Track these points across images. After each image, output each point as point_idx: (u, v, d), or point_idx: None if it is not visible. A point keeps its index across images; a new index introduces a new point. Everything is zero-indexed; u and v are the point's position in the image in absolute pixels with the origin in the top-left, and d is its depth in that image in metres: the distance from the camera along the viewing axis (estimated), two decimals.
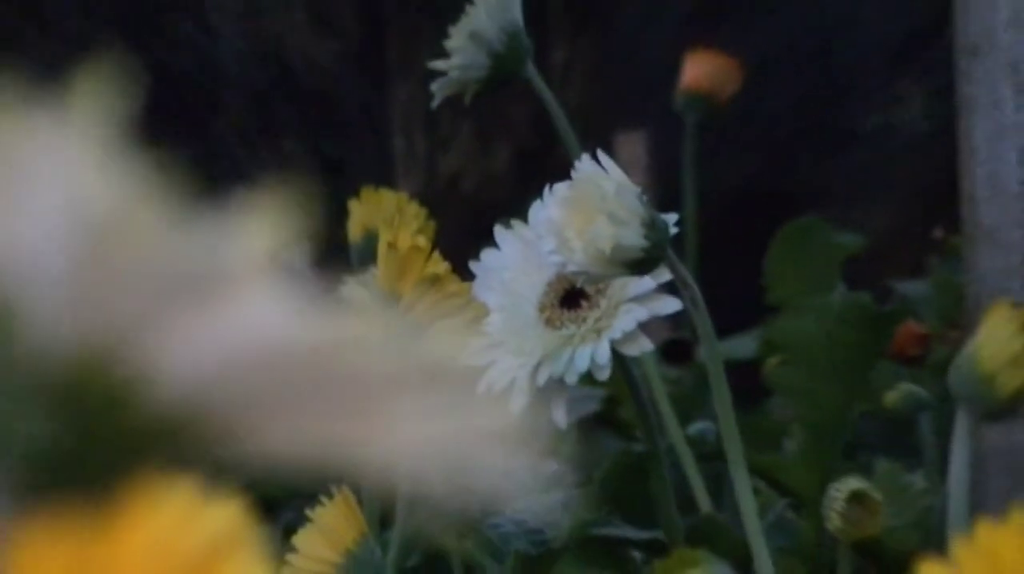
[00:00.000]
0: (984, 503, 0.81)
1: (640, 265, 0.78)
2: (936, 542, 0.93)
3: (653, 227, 0.77)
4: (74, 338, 0.20)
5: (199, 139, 2.49)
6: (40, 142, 0.20)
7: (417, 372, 0.20)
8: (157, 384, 0.20)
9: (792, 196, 2.16)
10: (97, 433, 0.20)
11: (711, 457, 1.03)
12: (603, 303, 0.84)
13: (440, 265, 0.85)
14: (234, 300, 0.19)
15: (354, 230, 1.04)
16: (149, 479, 0.21)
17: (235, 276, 0.19)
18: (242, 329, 0.19)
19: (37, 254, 0.20)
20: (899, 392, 1.14)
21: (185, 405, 0.20)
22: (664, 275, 0.81)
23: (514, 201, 0.89)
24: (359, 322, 0.20)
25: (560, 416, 0.84)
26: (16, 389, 0.20)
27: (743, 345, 1.27)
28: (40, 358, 0.20)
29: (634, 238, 0.76)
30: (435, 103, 1.01)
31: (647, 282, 0.82)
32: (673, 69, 1.36)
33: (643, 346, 0.85)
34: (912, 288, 1.34)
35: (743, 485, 0.83)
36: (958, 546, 0.50)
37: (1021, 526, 0.49)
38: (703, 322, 0.81)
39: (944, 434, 1.08)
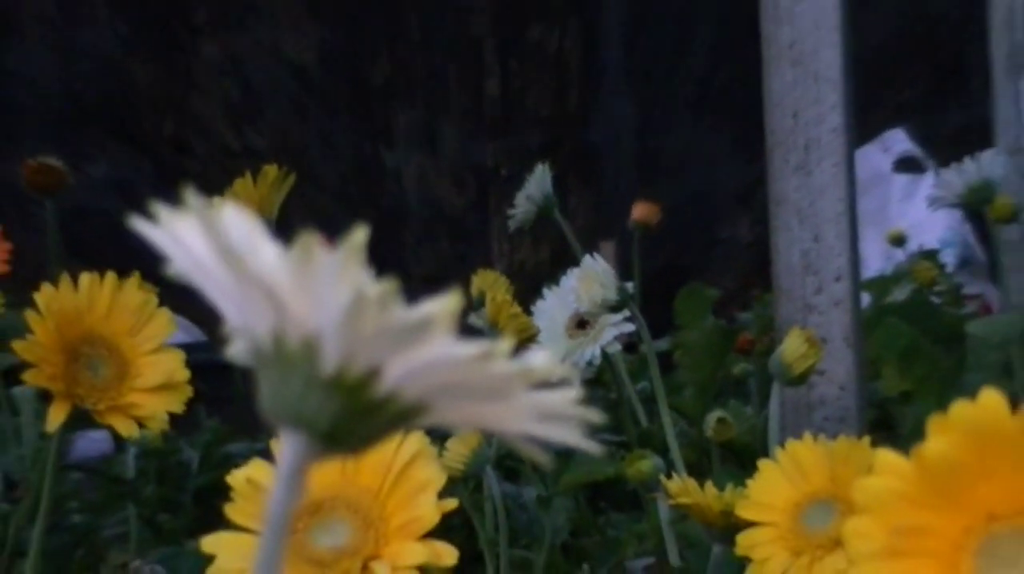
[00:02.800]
0: (785, 427, 0.80)
1: (615, 308, 0.77)
2: (758, 442, 0.91)
3: (621, 289, 0.76)
4: (346, 362, 0.19)
5: (392, 249, 2.50)
6: (327, 258, 0.19)
7: (519, 373, 0.19)
8: (391, 385, 0.19)
9: (687, 271, 2.15)
10: (357, 416, 0.19)
11: (649, 399, 1.01)
12: (596, 326, 0.83)
13: (516, 309, 0.84)
14: (430, 339, 0.19)
15: (474, 291, 1.04)
16: (386, 439, 0.20)
17: (431, 325, 0.19)
18: (435, 355, 0.19)
19: (328, 315, 0.19)
20: (739, 368, 1.13)
21: (406, 398, 0.19)
22: (627, 313, 0.80)
23: (552, 276, 0.89)
24: (489, 346, 0.19)
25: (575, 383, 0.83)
26: (313, 391, 0.19)
27: (664, 344, 1.26)
28: (328, 374, 0.19)
29: (612, 295, 0.76)
30: (511, 229, 1.01)
31: (618, 316, 0.81)
32: (627, 209, 1.34)
33: (616, 347, 0.84)
34: (745, 318, 1.32)
35: (664, 413, 0.82)
36: (778, 453, 0.49)
37: (810, 442, 0.48)
38: (644, 334, 0.81)
39: (762, 390, 1.07)
